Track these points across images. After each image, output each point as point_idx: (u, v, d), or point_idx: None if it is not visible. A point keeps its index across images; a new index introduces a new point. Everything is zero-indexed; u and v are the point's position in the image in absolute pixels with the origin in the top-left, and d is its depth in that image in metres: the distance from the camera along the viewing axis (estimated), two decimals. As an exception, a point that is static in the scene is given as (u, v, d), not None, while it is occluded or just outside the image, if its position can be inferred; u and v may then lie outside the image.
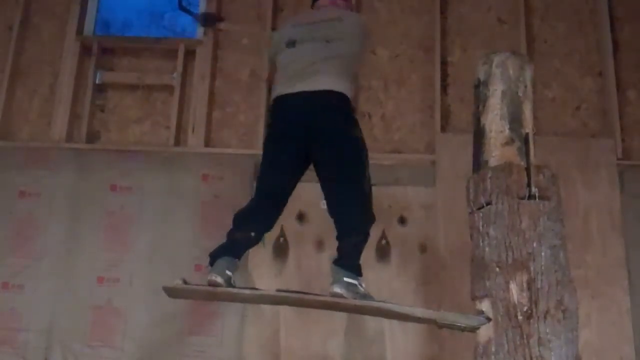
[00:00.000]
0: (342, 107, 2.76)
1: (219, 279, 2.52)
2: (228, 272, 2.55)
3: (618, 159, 4.07)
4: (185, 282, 2.56)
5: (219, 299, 2.83)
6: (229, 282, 2.55)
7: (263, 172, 2.84)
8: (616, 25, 4.41)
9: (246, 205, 2.78)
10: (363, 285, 2.52)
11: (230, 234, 2.69)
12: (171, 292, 2.60)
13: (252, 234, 2.69)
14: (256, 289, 2.78)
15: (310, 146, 2.74)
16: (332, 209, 2.69)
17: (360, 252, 2.61)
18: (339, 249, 2.61)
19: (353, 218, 2.64)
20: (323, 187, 2.74)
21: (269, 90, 3.59)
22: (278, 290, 2.58)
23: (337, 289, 2.45)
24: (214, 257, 2.61)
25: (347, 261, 2.55)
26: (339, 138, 2.71)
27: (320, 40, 2.87)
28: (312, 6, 3.16)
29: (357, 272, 2.55)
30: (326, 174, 2.73)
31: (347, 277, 2.49)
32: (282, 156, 2.78)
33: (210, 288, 2.55)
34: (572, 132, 4.25)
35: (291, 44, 2.90)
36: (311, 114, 2.72)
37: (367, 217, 2.68)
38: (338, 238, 2.64)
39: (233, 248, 2.65)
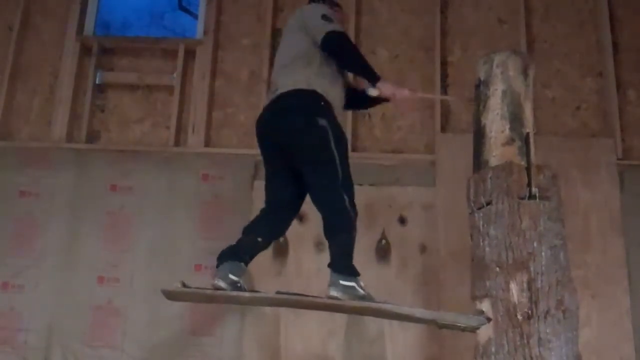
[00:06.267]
0: (292, 105, 2.67)
1: (222, 284, 2.49)
2: (232, 277, 2.52)
3: (618, 159, 4.07)
4: (184, 285, 2.54)
5: (218, 301, 2.81)
6: (234, 286, 2.51)
7: (265, 184, 2.83)
8: (616, 26, 4.42)
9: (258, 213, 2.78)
10: (362, 285, 2.47)
11: (238, 239, 2.67)
12: (170, 295, 2.58)
13: (259, 239, 2.67)
14: (255, 291, 2.76)
15: (286, 153, 2.70)
16: (314, 203, 2.64)
17: (349, 252, 2.54)
18: (329, 250, 2.56)
19: (331, 215, 2.56)
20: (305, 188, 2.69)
21: None
22: (277, 293, 2.55)
23: (334, 293, 2.42)
24: (220, 260, 2.59)
25: (339, 263, 2.50)
26: (299, 134, 2.63)
27: (281, 51, 2.92)
28: None
29: (351, 272, 2.48)
30: (301, 172, 2.67)
31: (343, 279, 2.44)
32: (272, 171, 2.79)
33: (209, 291, 2.53)
34: (572, 132, 4.25)
35: None
36: (269, 125, 2.72)
37: (345, 212, 2.55)
38: (324, 235, 2.59)
39: (238, 251, 2.62)
